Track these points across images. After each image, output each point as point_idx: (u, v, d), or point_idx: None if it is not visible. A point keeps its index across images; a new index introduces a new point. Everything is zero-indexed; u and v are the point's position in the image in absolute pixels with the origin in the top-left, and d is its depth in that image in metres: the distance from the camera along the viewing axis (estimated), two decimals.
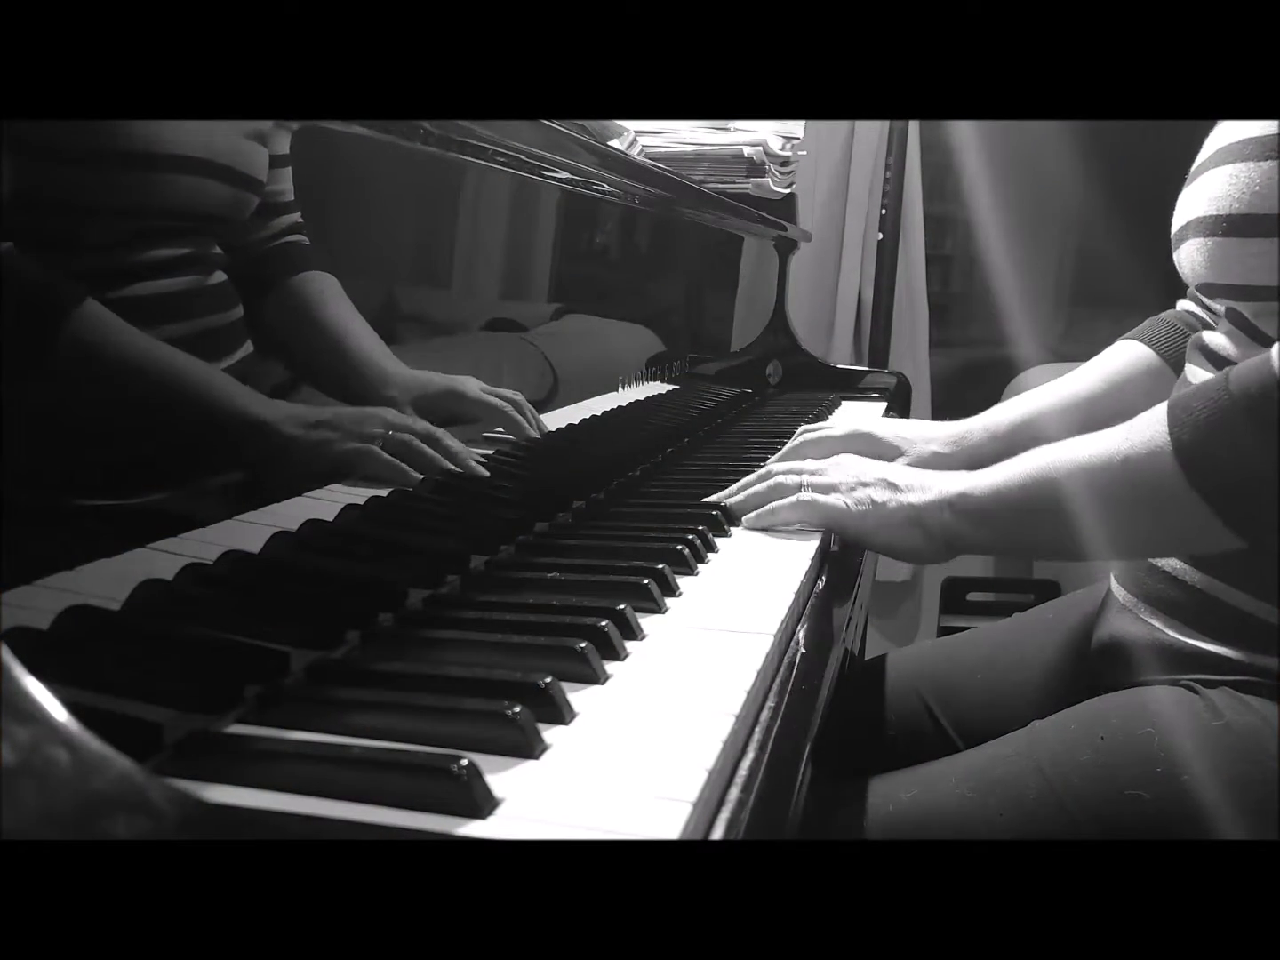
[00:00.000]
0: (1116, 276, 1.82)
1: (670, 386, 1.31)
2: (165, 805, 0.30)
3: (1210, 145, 0.80)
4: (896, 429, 1.03)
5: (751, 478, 0.88)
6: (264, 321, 0.56)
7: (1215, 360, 0.79)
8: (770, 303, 1.83)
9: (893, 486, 0.79)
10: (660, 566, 0.67)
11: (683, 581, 0.68)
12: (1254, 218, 0.72)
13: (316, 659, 0.50)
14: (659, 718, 0.47)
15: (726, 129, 1.68)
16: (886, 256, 2.22)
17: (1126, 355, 1.01)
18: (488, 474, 0.73)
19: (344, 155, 0.64)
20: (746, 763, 0.46)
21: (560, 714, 0.46)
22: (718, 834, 0.40)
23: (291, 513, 0.57)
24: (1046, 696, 0.88)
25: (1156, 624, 0.79)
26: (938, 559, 0.79)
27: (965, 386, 2.38)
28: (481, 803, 0.38)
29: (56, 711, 0.30)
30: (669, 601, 0.64)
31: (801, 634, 0.64)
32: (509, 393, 0.81)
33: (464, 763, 0.38)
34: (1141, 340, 1.01)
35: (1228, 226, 0.74)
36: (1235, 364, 0.68)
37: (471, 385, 0.77)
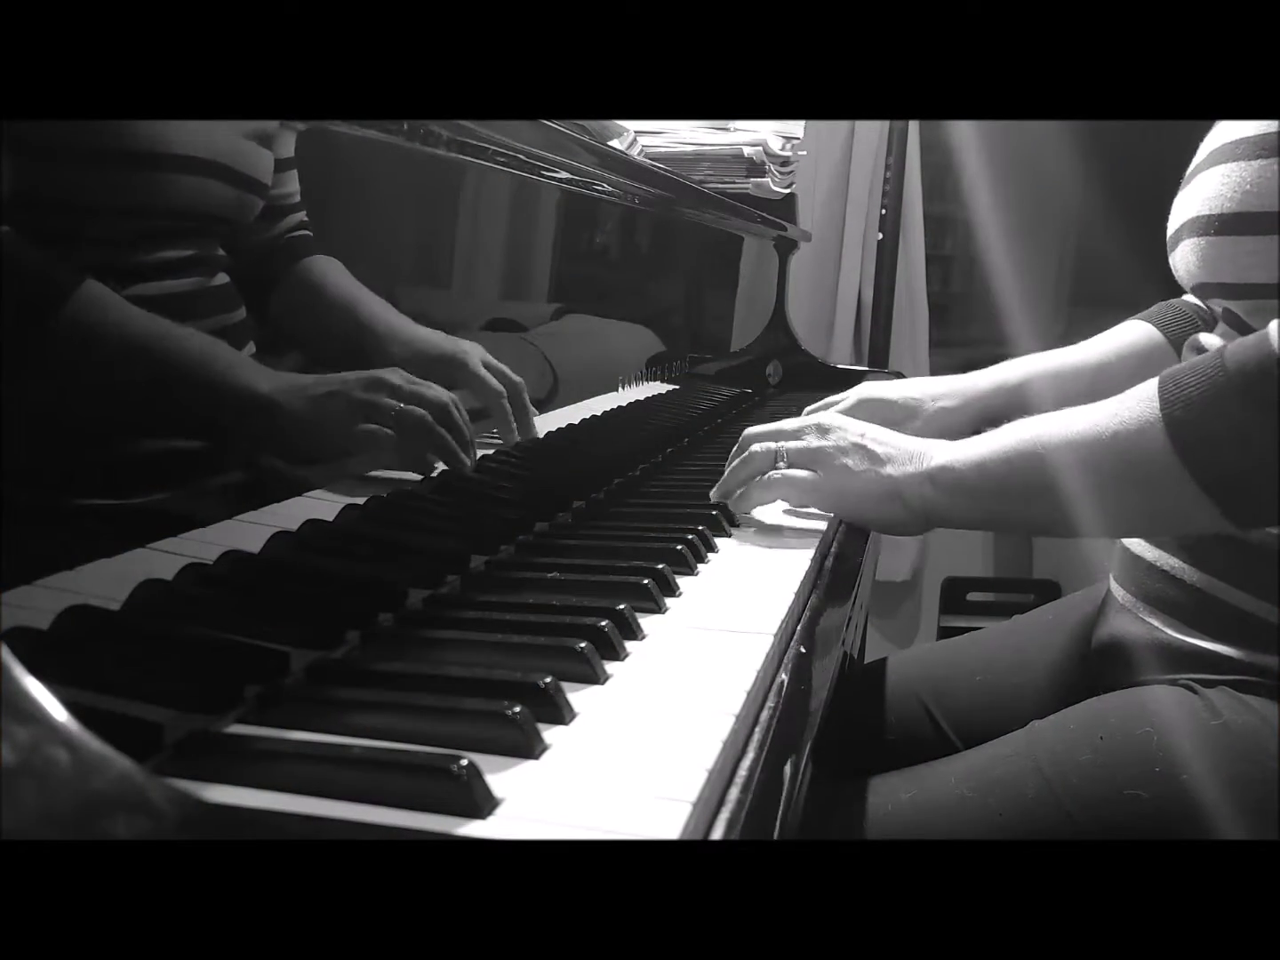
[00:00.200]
0: (1116, 276, 1.82)
1: (670, 386, 1.31)
2: (165, 805, 0.30)
3: (1204, 148, 0.80)
4: (905, 390, 1.03)
5: (732, 452, 0.87)
6: (272, 314, 0.56)
7: None
8: (770, 303, 1.82)
9: (872, 457, 0.78)
10: (660, 566, 0.67)
11: (683, 581, 0.68)
12: (1246, 216, 0.72)
13: (316, 659, 0.50)
14: (659, 718, 0.47)
15: (726, 129, 1.68)
16: (886, 256, 2.22)
17: (1136, 333, 1.02)
18: (476, 457, 0.72)
19: (344, 155, 0.64)
20: (746, 763, 0.46)
21: (560, 714, 0.46)
22: (718, 834, 0.40)
23: (291, 513, 0.57)
24: (1046, 697, 0.88)
25: (1156, 623, 0.78)
26: (917, 530, 0.79)
27: None
28: (481, 803, 0.38)
29: (56, 711, 0.30)
30: (669, 601, 0.64)
31: (801, 634, 0.64)
32: (511, 376, 0.80)
33: (464, 763, 0.38)
34: (1151, 322, 1.01)
35: (1220, 225, 0.74)
36: None
37: (474, 356, 0.76)
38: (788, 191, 1.75)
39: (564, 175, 0.92)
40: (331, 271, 0.62)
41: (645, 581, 0.63)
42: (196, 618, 0.48)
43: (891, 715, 0.97)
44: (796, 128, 1.76)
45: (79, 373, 0.45)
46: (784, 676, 0.56)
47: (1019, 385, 1.01)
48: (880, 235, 2.22)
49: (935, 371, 2.33)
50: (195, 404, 0.51)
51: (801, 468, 0.80)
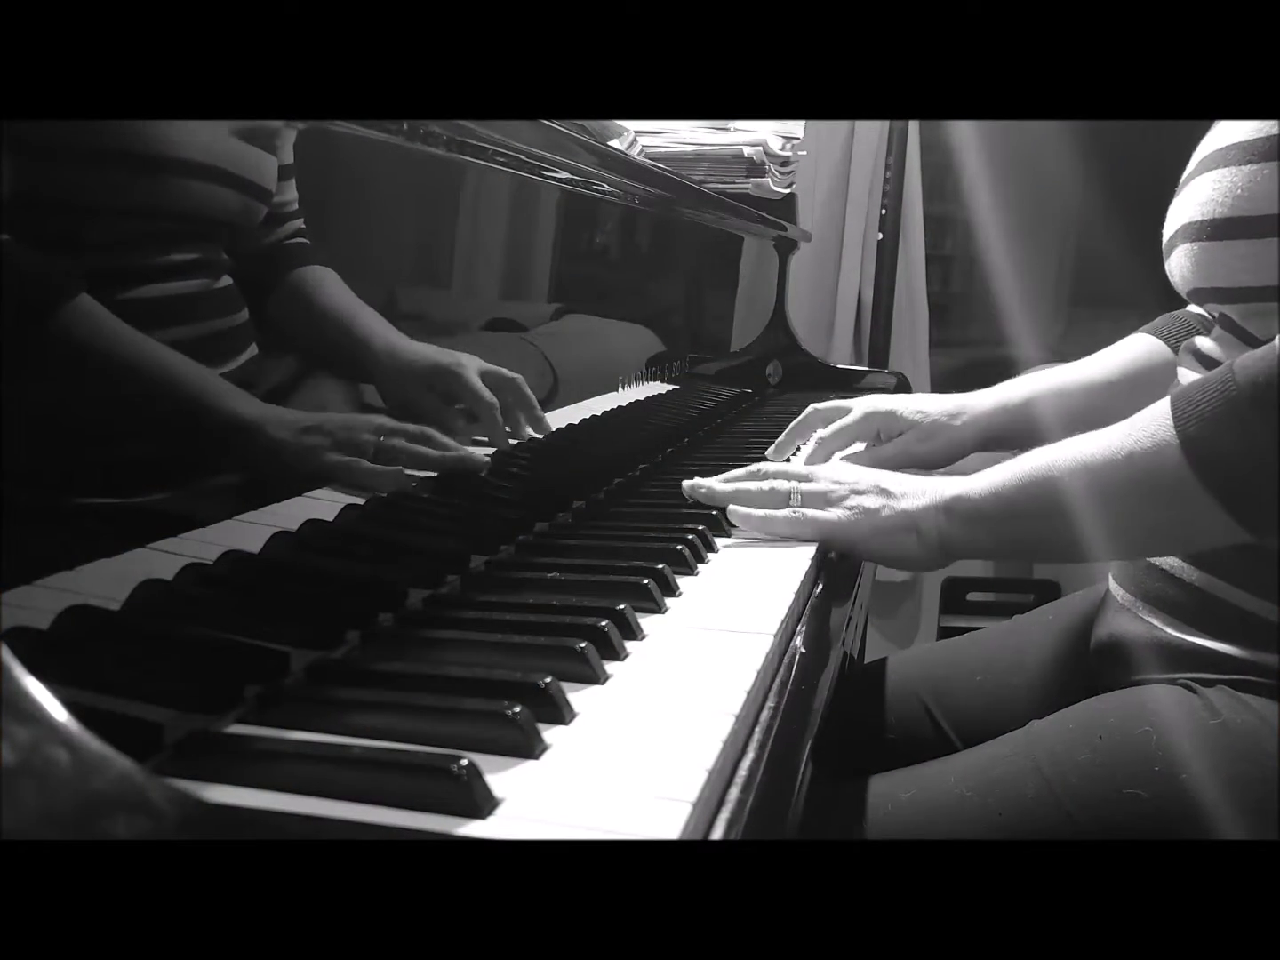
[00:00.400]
0: (1116, 277, 1.82)
1: (670, 386, 1.31)
2: (165, 805, 0.30)
3: (1196, 156, 0.80)
4: (910, 404, 1.03)
5: (740, 473, 0.86)
6: (269, 319, 0.56)
7: (1206, 363, 0.79)
8: (770, 303, 1.82)
9: (885, 493, 0.78)
10: (660, 566, 0.67)
11: (683, 581, 0.68)
12: (1238, 220, 0.72)
13: (316, 659, 0.50)
14: (659, 718, 0.47)
15: (726, 129, 1.68)
16: (886, 256, 2.22)
17: (1141, 347, 1.01)
18: (487, 459, 0.72)
19: (344, 155, 0.64)
20: (746, 763, 0.46)
21: (560, 714, 0.46)
22: (718, 834, 0.40)
23: (291, 513, 0.57)
24: (1045, 697, 0.88)
25: (1155, 622, 0.78)
26: (934, 565, 0.78)
27: (965, 386, 2.37)
28: (481, 803, 0.38)
29: (56, 711, 0.30)
30: (669, 601, 0.64)
31: (801, 634, 0.64)
32: (507, 375, 0.80)
33: (464, 763, 0.38)
34: (1156, 334, 1.01)
35: (1213, 230, 0.74)
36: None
37: (469, 368, 0.76)
38: (788, 191, 1.75)
39: (564, 175, 0.92)
40: (327, 283, 0.62)
41: (645, 581, 0.63)
42: (196, 618, 0.48)
43: (891, 715, 0.97)
44: (796, 128, 1.76)
45: (71, 381, 0.45)
46: (784, 676, 0.56)
47: (1023, 403, 1.01)
48: (880, 235, 2.22)
49: (935, 371, 2.33)
50: (180, 426, 0.51)
51: (814, 508, 0.80)
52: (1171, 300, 1.03)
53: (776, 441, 1.09)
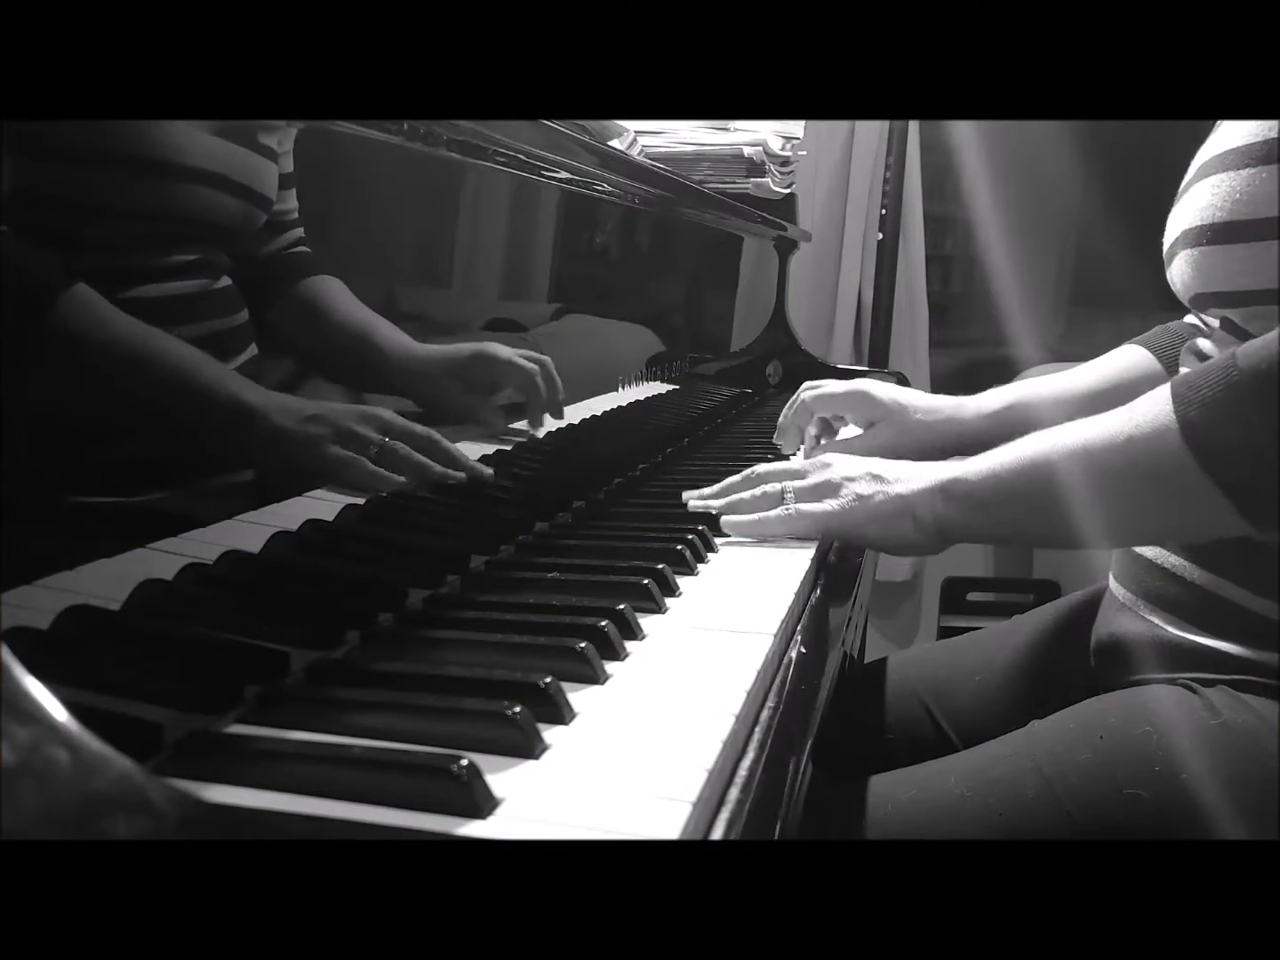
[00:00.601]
0: (1116, 277, 1.82)
1: (670, 386, 1.31)
2: (165, 805, 0.30)
3: (1194, 164, 0.80)
4: (893, 393, 1.03)
5: (735, 480, 0.87)
6: (274, 327, 0.57)
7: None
8: (770, 303, 1.83)
9: (879, 479, 0.78)
10: (660, 566, 0.67)
11: (683, 581, 0.68)
12: (1237, 224, 0.72)
13: (316, 659, 0.50)
14: (659, 718, 0.47)
15: (726, 129, 1.68)
16: (886, 256, 2.22)
17: (1129, 358, 1.01)
18: (490, 472, 0.73)
19: (344, 156, 0.64)
20: (746, 763, 0.46)
21: (560, 714, 0.46)
22: (717, 834, 0.40)
23: (291, 513, 0.57)
24: (1045, 697, 0.88)
25: (1156, 621, 0.78)
26: (931, 550, 0.78)
27: (965, 386, 2.36)
28: (481, 803, 0.38)
29: (56, 711, 0.30)
30: (669, 601, 0.64)
31: (801, 634, 0.64)
32: (537, 355, 0.81)
33: (464, 763, 0.38)
34: (1146, 346, 1.01)
35: (1212, 235, 0.74)
36: None
37: (501, 349, 0.77)
38: (788, 191, 1.75)
39: (564, 175, 0.92)
40: (338, 294, 0.62)
41: (645, 581, 0.63)
42: (196, 618, 0.48)
43: (891, 715, 0.96)
44: (796, 128, 1.76)
45: (71, 374, 0.45)
46: (784, 677, 0.56)
47: (1004, 409, 1.00)
48: (880, 235, 2.22)
49: (935, 371, 2.33)
50: (182, 410, 0.51)
51: (810, 503, 0.80)
52: (1171, 301, 1.03)
53: (780, 427, 1.09)
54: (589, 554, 0.73)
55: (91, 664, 0.42)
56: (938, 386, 2.33)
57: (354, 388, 0.64)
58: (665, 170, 1.22)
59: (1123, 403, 0.71)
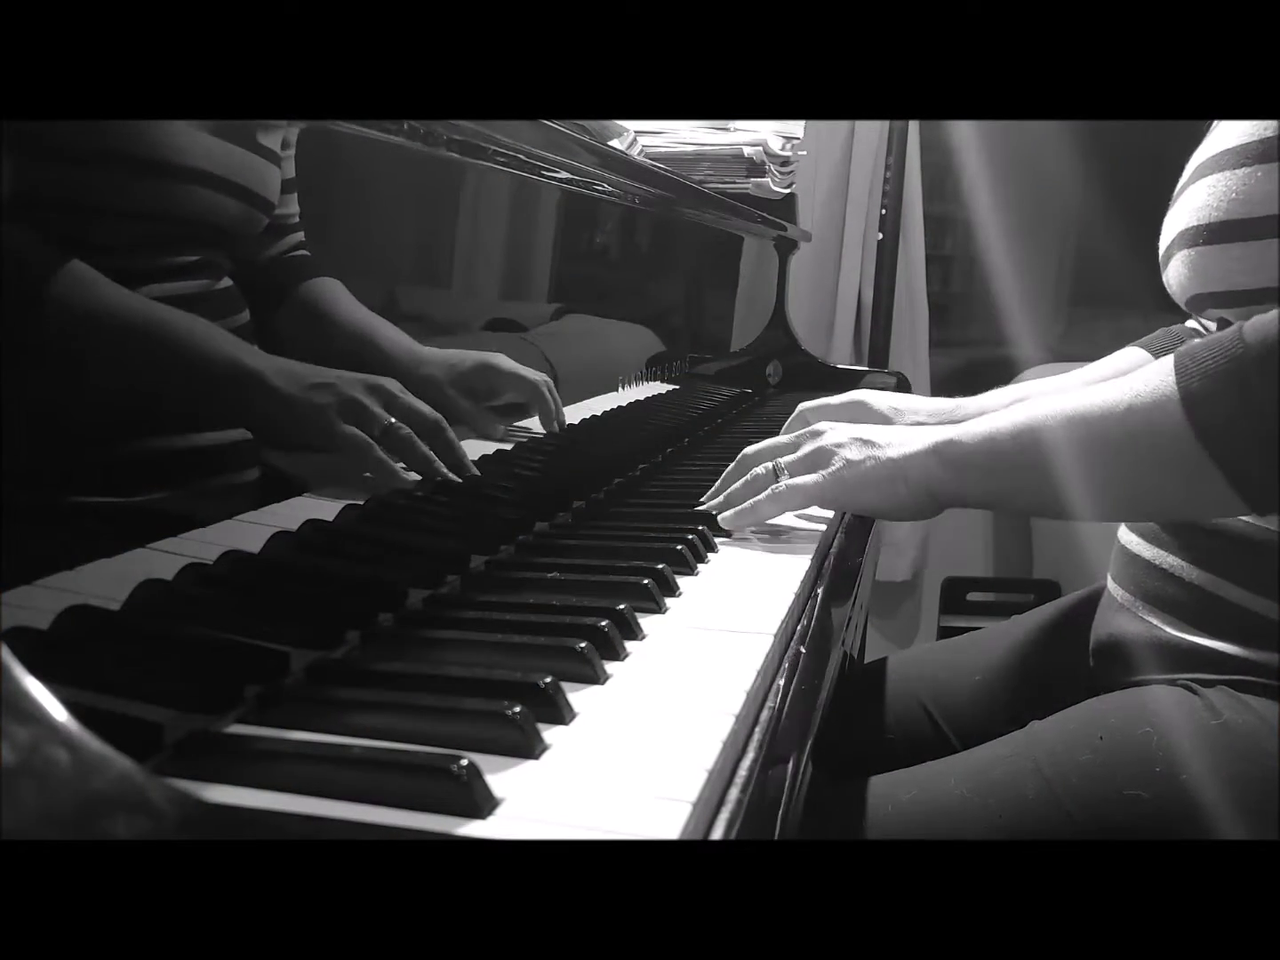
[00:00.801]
0: (1116, 277, 1.82)
1: (670, 386, 1.31)
2: (165, 805, 0.30)
3: (1190, 165, 0.80)
4: (890, 401, 1.03)
5: (729, 471, 0.87)
6: (276, 330, 0.57)
7: None
8: (770, 303, 1.83)
9: (868, 444, 0.77)
10: (660, 566, 0.67)
11: (683, 581, 0.68)
12: (1234, 223, 0.72)
13: (316, 659, 0.50)
14: (659, 718, 0.47)
15: (726, 129, 1.68)
16: (886, 256, 2.22)
17: (1130, 361, 1.01)
18: (478, 473, 0.73)
19: (344, 155, 0.64)
20: (746, 763, 0.46)
21: (560, 714, 0.46)
22: (717, 834, 0.40)
23: (292, 513, 0.57)
24: (1045, 697, 0.88)
25: (1155, 621, 0.78)
26: (925, 514, 0.77)
27: (965, 386, 2.37)
28: (481, 803, 0.38)
29: (56, 711, 0.30)
30: (669, 601, 0.64)
31: (801, 634, 0.64)
32: (538, 373, 0.82)
33: (464, 763, 0.38)
34: (1147, 349, 1.01)
35: (1209, 235, 0.74)
36: None
37: (504, 359, 0.78)
38: (788, 191, 1.75)
39: (564, 175, 0.92)
40: (340, 296, 0.62)
41: (645, 581, 0.63)
42: (196, 618, 0.48)
43: (891, 715, 0.96)
44: (796, 128, 1.76)
45: (70, 354, 0.45)
46: (784, 677, 0.56)
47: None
48: (880, 235, 2.22)
49: (935, 371, 2.33)
50: (183, 374, 0.50)
51: (801, 475, 0.80)
52: (1171, 302, 1.03)
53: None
54: (589, 554, 0.73)
55: (91, 664, 0.42)
56: (938, 386, 2.33)
57: None
58: (665, 170, 1.22)
59: None
